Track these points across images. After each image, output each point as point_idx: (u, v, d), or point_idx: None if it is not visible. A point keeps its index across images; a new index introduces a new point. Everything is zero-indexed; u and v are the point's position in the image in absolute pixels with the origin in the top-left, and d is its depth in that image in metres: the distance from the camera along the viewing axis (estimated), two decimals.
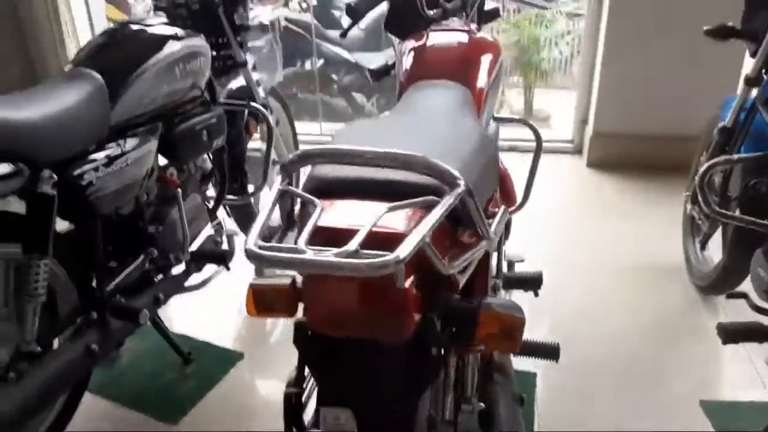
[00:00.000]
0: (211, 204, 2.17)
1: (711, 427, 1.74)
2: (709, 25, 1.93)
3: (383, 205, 0.84)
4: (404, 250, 0.75)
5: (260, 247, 0.78)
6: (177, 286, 1.91)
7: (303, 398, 1.03)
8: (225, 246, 2.09)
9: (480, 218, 0.93)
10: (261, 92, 2.40)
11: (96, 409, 1.82)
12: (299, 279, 0.97)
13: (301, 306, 1.00)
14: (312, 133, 3.98)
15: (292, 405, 1.01)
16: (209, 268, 2.05)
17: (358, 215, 0.84)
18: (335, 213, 0.88)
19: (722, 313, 2.23)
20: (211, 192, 2.21)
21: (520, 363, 1.53)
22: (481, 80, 1.51)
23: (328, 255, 0.76)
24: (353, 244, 0.76)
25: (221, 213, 2.23)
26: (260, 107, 2.25)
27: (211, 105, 2.02)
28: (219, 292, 2.19)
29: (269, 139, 2.29)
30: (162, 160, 1.87)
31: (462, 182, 0.86)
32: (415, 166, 0.87)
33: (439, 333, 0.95)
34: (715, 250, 2.33)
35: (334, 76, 4.92)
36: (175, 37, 1.83)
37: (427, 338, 0.93)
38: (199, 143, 1.93)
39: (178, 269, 1.94)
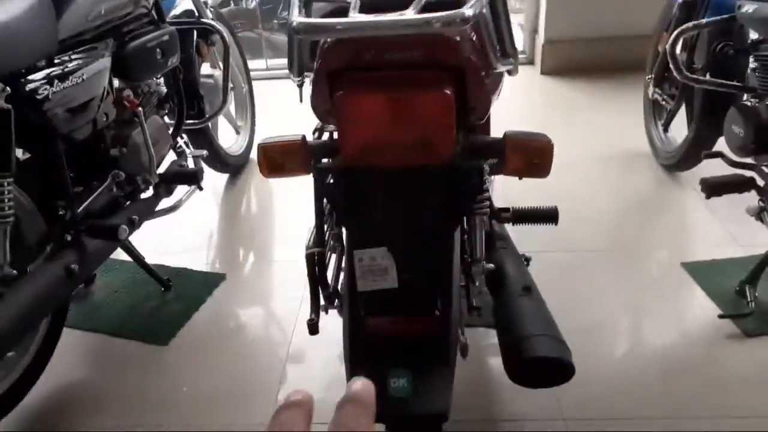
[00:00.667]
0: (170, 130, 2.07)
1: (695, 284, 1.81)
2: None
3: None
4: (469, 8, 0.72)
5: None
6: (149, 209, 1.83)
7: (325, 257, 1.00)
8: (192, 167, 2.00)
9: (508, 28, 0.90)
10: (208, 12, 2.28)
11: (79, 342, 1.74)
12: (310, 135, 0.93)
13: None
14: (259, 68, 3.83)
15: (316, 264, 0.97)
16: (179, 192, 1.97)
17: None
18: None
19: (688, 186, 2.31)
20: (167, 119, 2.11)
21: None
22: None
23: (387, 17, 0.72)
24: (414, 6, 0.73)
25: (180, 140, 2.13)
26: (213, 23, 2.14)
27: (159, 24, 1.90)
28: (189, 216, 2.12)
29: (226, 55, 2.18)
30: (117, 84, 1.76)
31: None
32: None
33: (472, 158, 0.93)
34: (676, 131, 2.39)
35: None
36: None
37: (463, 163, 0.90)
38: (153, 61, 1.82)
39: (147, 193, 1.85)
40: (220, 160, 2.49)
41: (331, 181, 0.94)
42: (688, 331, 1.66)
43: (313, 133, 1.29)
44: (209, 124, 2.34)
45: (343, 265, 1.03)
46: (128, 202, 1.77)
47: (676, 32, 1.84)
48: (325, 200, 0.98)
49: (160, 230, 2.08)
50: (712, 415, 1.39)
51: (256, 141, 2.73)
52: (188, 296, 1.90)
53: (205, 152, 2.08)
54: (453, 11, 0.73)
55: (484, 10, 0.78)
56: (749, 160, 1.67)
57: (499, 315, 1.12)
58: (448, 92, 0.81)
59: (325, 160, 0.98)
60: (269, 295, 1.96)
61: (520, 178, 1.00)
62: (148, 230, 1.83)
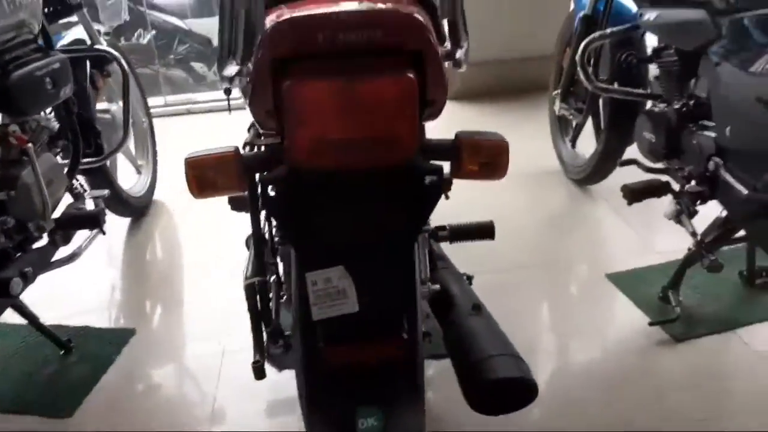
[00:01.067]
0: (65, 169, 1.88)
1: (622, 294, 1.83)
2: None
3: None
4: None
5: None
6: (44, 260, 1.62)
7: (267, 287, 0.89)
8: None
9: (462, 15, 0.84)
10: (102, 41, 2.11)
11: None
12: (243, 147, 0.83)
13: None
14: (157, 105, 3.64)
15: (257, 295, 0.86)
16: (78, 239, 1.77)
17: None
18: None
19: (600, 199, 2.39)
20: (60, 158, 1.91)
21: None
22: None
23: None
24: None
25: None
26: (110, 50, 1.98)
27: (48, 52, 1.73)
28: (89, 265, 1.91)
29: (125, 84, 2.02)
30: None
31: None
32: None
33: (428, 162, 0.86)
34: (583, 146, 2.48)
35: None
36: None
37: (420, 166, 0.83)
38: (42, 92, 1.64)
39: (41, 242, 1.65)
40: (121, 201, 2.30)
41: (273, 193, 0.83)
42: (621, 341, 1.67)
43: (243, 148, 1.19)
44: (108, 163, 2.16)
45: (284, 293, 0.92)
46: (19, 254, 1.57)
47: (583, 43, 1.90)
48: (262, 220, 0.88)
49: (56, 284, 1.85)
50: (659, 423, 1.39)
51: (159, 180, 2.62)
52: (93, 357, 1.69)
53: (106, 192, 1.89)
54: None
55: None
56: (662, 165, 1.73)
57: (450, 338, 1.06)
58: (411, 76, 0.74)
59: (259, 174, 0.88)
60: (185, 347, 1.79)
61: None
62: (41, 285, 1.61)
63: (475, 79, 3.56)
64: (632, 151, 1.89)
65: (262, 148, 1.01)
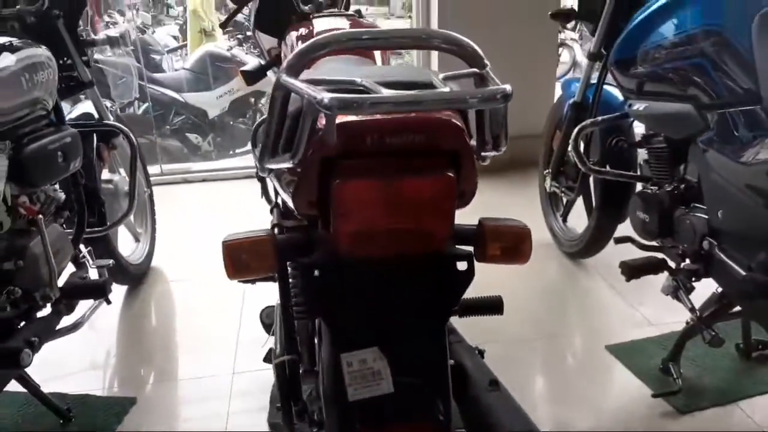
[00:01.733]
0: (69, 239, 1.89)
1: (622, 366, 1.86)
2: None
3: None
4: (507, 85, 0.71)
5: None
6: (49, 329, 1.61)
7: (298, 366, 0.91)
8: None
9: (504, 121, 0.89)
10: (111, 117, 2.18)
11: None
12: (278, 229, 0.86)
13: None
14: (154, 174, 3.68)
15: (287, 375, 0.88)
16: (81, 307, 1.76)
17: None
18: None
19: (594, 272, 2.44)
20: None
21: None
22: (378, 58, 1.51)
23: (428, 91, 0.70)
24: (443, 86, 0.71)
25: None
26: (119, 125, 2.04)
27: (60, 126, 1.78)
28: (88, 333, 1.90)
29: (133, 158, 2.07)
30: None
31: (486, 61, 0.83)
32: (436, 40, 0.82)
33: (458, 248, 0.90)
34: (574, 220, 2.56)
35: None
36: (10, 48, 1.60)
37: (452, 253, 0.87)
38: (54, 165, 1.69)
39: (45, 311, 1.64)
40: (121, 269, 2.30)
41: (316, 275, 0.86)
42: (627, 412, 1.69)
43: (271, 212, 1.21)
44: (110, 232, 2.17)
45: (318, 371, 0.94)
46: (23, 323, 1.57)
47: (576, 130, 2.00)
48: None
49: (54, 351, 1.83)
50: None
51: (159, 248, 2.63)
52: (94, 427, 1.66)
53: (110, 262, 1.90)
54: (493, 87, 0.72)
55: None
56: (656, 243, 1.79)
57: (470, 414, 1.07)
58: (452, 175, 0.79)
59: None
60: (188, 417, 1.76)
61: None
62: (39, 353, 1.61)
63: None
64: (626, 228, 1.97)
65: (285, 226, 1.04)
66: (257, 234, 0.87)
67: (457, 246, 0.93)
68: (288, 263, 0.93)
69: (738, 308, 1.65)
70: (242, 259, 0.85)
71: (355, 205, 0.78)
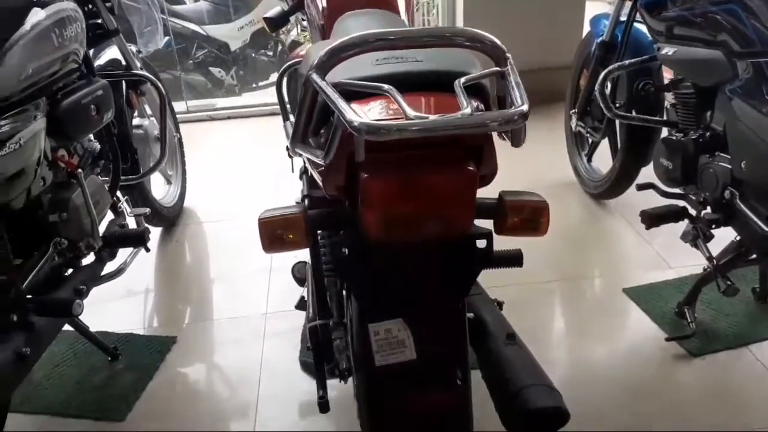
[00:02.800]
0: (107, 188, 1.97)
1: (638, 309, 1.92)
2: None
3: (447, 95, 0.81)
4: (525, 104, 0.74)
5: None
6: (94, 276, 1.72)
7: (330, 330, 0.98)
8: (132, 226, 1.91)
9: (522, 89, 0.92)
10: (137, 63, 2.20)
11: (25, 426, 1.60)
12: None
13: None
14: (180, 111, 3.73)
15: (320, 337, 0.96)
16: (122, 254, 1.87)
17: (428, 102, 0.81)
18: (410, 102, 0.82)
19: (617, 213, 2.47)
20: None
21: None
22: (402, 8, 1.50)
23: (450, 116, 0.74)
24: (465, 107, 0.75)
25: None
26: (147, 74, 2.07)
27: (90, 78, 1.82)
28: (127, 275, 2.01)
29: (162, 105, 2.11)
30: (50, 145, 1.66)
31: (508, 54, 0.85)
32: (460, 38, 0.84)
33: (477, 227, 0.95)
34: (599, 160, 2.56)
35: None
36: (39, 3, 1.61)
37: (472, 233, 0.92)
38: (89, 118, 1.73)
39: (89, 259, 1.75)
40: (155, 213, 2.39)
41: (345, 253, 0.92)
42: (640, 354, 1.76)
43: (300, 177, 1.26)
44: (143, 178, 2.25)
45: (347, 323, 1.02)
46: (70, 270, 1.67)
47: (603, 73, 1.97)
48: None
49: (97, 293, 1.96)
50: None
51: (189, 189, 2.71)
52: (140, 364, 1.80)
53: (147, 210, 1.99)
54: (510, 110, 0.75)
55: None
56: (678, 190, 1.81)
57: (487, 366, 1.14)
58: (472, 169, 0.83)
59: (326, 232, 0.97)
60: (227, 353, 1.89)
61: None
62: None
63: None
64: (649, 173, 1.97)
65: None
66: (292, 211, 0.92)
67: (476, 219, 0.98)
68: (319, 232, 0.99)
69: (755, 256, 1.68)
70: (277, 234, 0.91)
71: (381, 198, 0.83)
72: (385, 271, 0.91)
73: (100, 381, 1.75)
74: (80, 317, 1.81)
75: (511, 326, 1.25)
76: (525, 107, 0.76)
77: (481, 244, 0.94)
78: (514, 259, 1.39)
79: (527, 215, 0.96)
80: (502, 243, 1.41)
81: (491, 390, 1.11)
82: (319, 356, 0.98)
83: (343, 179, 0.87)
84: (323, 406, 0.97)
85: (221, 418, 1.61)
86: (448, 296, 0.92)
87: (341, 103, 0.75)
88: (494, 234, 0.99)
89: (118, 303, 2.11)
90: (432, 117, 0.74)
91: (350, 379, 1.07)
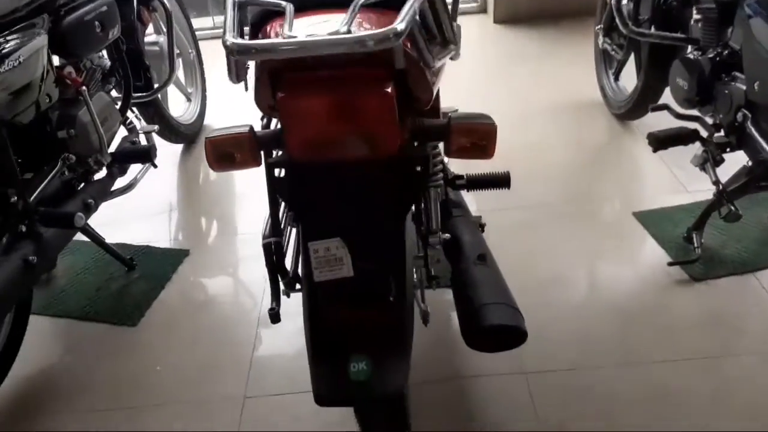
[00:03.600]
0: (118, 105, 2.01)
1: (647, 233, 1.88)
2: None
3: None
4: (401, 23, 0.73)
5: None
6: (104, 191, 1.80)
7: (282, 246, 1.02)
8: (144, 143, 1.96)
9: (447, 18, 0.90)
10: None
11: (47, 328, 1.74)
12: (258, 126, 0.93)
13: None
14: (204, 27, 3.71)
15: (273, 253, 0.99)
16: (133, 170, 1.94)
17: (328, 22, 0.80)
18: (304, 22, 0.83)
19: (640, 135, 2.37)
20: (115, 93, 2.05)
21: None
22: None
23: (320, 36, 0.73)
24: (343, 25, 0.75)
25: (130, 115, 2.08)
26: None
27: None
28: (147, 190, 2.09)
29: (169, 24, 2.11)
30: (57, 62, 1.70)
31: None
32: None
33: (418, 147, 0.95)
34: (627, 80, 2.44)
35: None
36: None
37: (410, 154, 0.92)
38: (93, 35, 1.75)
39: (101, 174, 1.82)
40: (172, 130, 2.44)
41: (280, 174, 0.94)
42: (641, 279, 1.74)
43: (261, 120, 1.28)
44: (159, 95, 2.28)
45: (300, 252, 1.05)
46: (82, 185, 1.75)
47: None
48: None
49: (119, 207, 2.05)
50: (663, 360, 1.48)
51: (210, 107, 2.74)
52: (153, 274, 1.90)
53: (156, 127, 2.03)
54: (385, 29, 0.73)
55: (417, 13, 0.78)
56: (694, 112, 1.72)
57: (456, 283, 1.17)
58: (389, 91, 0.82)
59: (277, 151, 0.99)
60: (235, 268, 1.97)
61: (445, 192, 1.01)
62: (105, 207, 1.81)
63: (517, 3, 3.47)
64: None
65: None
66: (238, 130, 0.93)
67: (429, 141, 0.97)
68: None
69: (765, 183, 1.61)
70: (225, 152, 0.93)
71: (298, 117, 0.83)
72: (322, 192, 0.92)
73: (117, 289, 1.86)
74: (103, 230, 1.93)
75: (486, 247, 1.25)
76: (400, 26, 0.74)
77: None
78: (500, 181, 1.38)
79: (474, 138, 0.94)
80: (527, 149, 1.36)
81: (457, 308, 1.13)
82: (272, 271, 1.02)
83: (270, 97, 0.87)
84: (274, 316, 1.02)
85: (224, 329, 1.70)
86: (386, 218, 0.93)
87: (228, 21, 0.77)
88: (445, 156, 0.98)
89: (139, 218, 2.20)
90: (302, 38, 0.74)
91: None
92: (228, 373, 1.54)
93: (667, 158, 2.18)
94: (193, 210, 2.30)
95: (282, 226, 1.05)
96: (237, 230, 2.15)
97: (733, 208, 1.53)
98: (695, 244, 1.74)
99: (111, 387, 1.54)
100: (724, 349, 1.50)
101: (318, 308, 0.93)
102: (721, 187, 1.58)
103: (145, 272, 1.92)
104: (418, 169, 0.96)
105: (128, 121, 2.01)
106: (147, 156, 1.84)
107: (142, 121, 2.25)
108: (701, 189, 1.99)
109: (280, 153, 0.99)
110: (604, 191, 2.15)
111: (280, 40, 0.76)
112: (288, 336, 1.63)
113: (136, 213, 2.20)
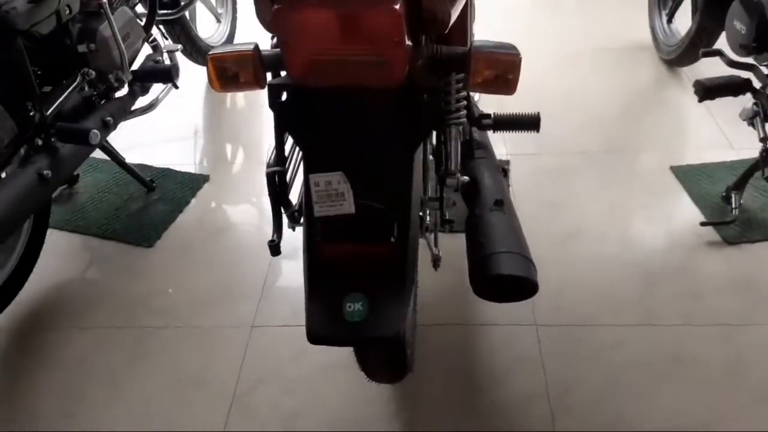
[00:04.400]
0: (143, 22, 1.96)
1: (682, 190, 1.78)
2: None
3: None
4: None
5: None
6: (124, 109, 1.77)
7: (287, 177, 0.97)
8: (167, 62, 1.91)
9: None
10: None
11: (65, 243, 1.76)
12: (264, 44, 0.86)
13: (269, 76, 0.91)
14: None
15: (276, 184, 0.95)
16: (155, 90, 1.90)
17: None
18: None
19: (687, 83, 2.22)
20: (141, 8, 1.99)
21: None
22: None
23: None
24: None
25: (156, 34, 2.02)
26: None
27: None
28: (172, 112, 2.06)
29: None
30: None
31: None
32: None
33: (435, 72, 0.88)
34: (681, 23, 2.27)
35: None
36: None
37: (419, 84, 0.86)
38: None
39: (122, 92, 1.79)
40: (200, 51, 2.38)
41: (283, 98, 0.88)
42: (670, 238, 1.66)
43: (272, 39, 1.21)
44: (186, 14, 2.22)
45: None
46: (102, 102, 1.72)
47: None
48: None
49: (143, 128, 2.04)
50: (682, 323, 1.42)
51: (240, 29, 2.66)
52: (172, 198, 1.89)
53: (179, 46, 1.97)
54: None
55: None
56: (749, 60, 1.58)
57: (469, 229, 1.11)
58: (397, 7, 0.74)
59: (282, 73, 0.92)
60: (255, 196, 1.94)
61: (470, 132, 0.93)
62: (126, 126, 1.79)
63: None
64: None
65: None
66: (242, 48, 0.87)
67: (448, 71, 0.89)
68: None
69: None
70: (227, 71, 0.87)
71: (295, 32, 0.76)
72: (324, 120, 0.86)
73: (135, 209, 1.86)
74: (126, 150, 1.92)
75: (506, 193, 1.19)
76: None
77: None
78: (530, 122, 1.30)
79: (495, 70, 0.86)
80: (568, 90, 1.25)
81: (467, 253, 1.08)
82: (274, 202, 0.97)
83: (270, 12, 0.80)
84: (274, 249, 0.98)
85: (239, 258, 1.69)
86: (393, 152, 0.87)
87: None
88: (465, 90, 0.90)
89: (160, 140, 2.18)
90: None
91: None
92: (238, 301, 1.54)
93: (715, 111, 2.05)
94: (216, 135, 2.27)
95: (287, 155, 1.00)
96: (260, 158, 2.11)
97: None
98: (733, 205, 1.64)
99: (122, 306, 1.55)
100: (746, 317, 1.42)
101: (316, 245, 0.89)
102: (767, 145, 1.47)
103: (164, 195, 1.91)
104: (426, 98, 0.89)
105: (152, 39, 1.95)
106: (168, 76, 1.79)
107: (168, 40, 2.20)
108: (748, 146, 1.87)
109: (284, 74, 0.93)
110: (642, 142, 2.03)
111: None
112: (300, 269, 1.61)
113: (158, 135, 2.18)
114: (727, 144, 1.94)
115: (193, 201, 1.90)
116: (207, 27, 2.54)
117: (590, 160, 1.94)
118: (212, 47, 2.45)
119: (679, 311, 1.44)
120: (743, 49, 1.56)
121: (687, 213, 1.72)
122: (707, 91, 1.53)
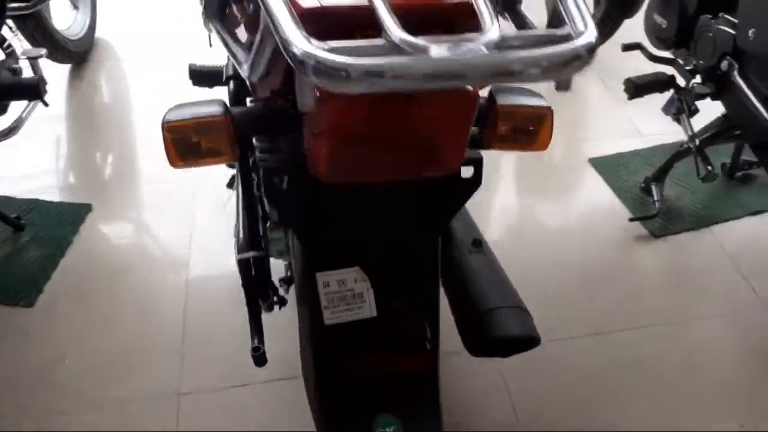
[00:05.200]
0: None
1: (603, 182, 1.79)
2: None
3: None
4: (588, 28, 0.47)
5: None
6: None
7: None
8: (29, 73, 1.57)
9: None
10: None
11: None
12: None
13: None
14: None
15: (253, 273, 0.75)
16: (16, 108, 1.55)
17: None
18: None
19: (591, 73, 2.24)
20: None
21: None
22: None
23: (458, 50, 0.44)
24: (492, 29, 0.46)
25: (6, 32, 1.65)
26: None
27: None
28: (29, 127, 1.71)
29: None
30: None
31: None
32: None
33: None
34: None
35: None
36: None
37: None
38: None
39: None
40: (59, 48, 2.01)
41: (283, 186, 0.68)
42: (601, 236, 1.65)
43: (210, 45, 0.96)
44: (41, 7, 1.84)
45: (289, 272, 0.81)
46: None
47: None
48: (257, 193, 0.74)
49: None
50: (628, 327, 1.41)
51: (102, 16, 2.29)
52: (49, 237, 1.58)
53: (44, 51, 1.62)
54: (572, 44, 0.47)
55: None
56: (668, 55, 1.59)
57: (450, 276, 0.99)
58: (472, 88, 0.58)
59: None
60: (149, 223, 1.68)
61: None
62: None
63: None
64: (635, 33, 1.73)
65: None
66: (209, 112, 0.65)
67: None
68: (254, 141, 0.74)
69: (737, 133, 1.53)
70: (189, 143, 0.66)
71: (341, 131, 0.57)
72: (339, 210, 0.69)
73: (2, 257, 1.53)
74: None
75: (478, 230, 1.08)
76: (592, 36, 0.48)
77: (467, 173, 0.72)
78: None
79: (523, 123, 0.73)
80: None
81: (453, 305, 0.96)
82: (251, 294, 0.78)
83: (281, 81, 0.61)
84: (259, 358, 0.78)
85: (146, 303, 1.44)
86: (418, 234, 0.72)
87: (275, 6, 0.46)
88: (484, 148, 0.76)
89: (19, 161, 1.81)
90: (436, 47, 0.44)
91: None
92: (155, 362, 1.31)
93: (621, 98, 2.06)
94: (88, 150, 1.93)
95: (261, 234, 0.80)
96: (146, 172, 1.82)
97: (710, 168, 1.44)
98: (655, 197, 1.67)
99: (7, 389, 1.25)
100: (686, 313, 1.45)
101: (328, 356, 0.71)
102: (698, 142, 1.48)
103: (37, 234, 1.59)
104: (472, 177, 0.73)
105: (5, 42, 1.59)
106: (35, 91, 1.45)
107: (22, 39, 1.83)
108: (655, 132, 1.92)
109: (267, 146, 0.72)
110: (558, 133, 2.00)
111: (395, 59, 0.44)
112: (223, 304, 1.40)
113: (16, 155, 1.80)
114: (636, 132, 1.98)
115: (76, 238, 1.59)
116: (62, 15, 2.15)
117: (504, 157, 1.88)
118: (72, 41, 2.09)
119: (622, 315, 1.44)
120: (662, 42, 1.57)
121: (612, 207, 1.72)
122: (637, 88, 1.51)
